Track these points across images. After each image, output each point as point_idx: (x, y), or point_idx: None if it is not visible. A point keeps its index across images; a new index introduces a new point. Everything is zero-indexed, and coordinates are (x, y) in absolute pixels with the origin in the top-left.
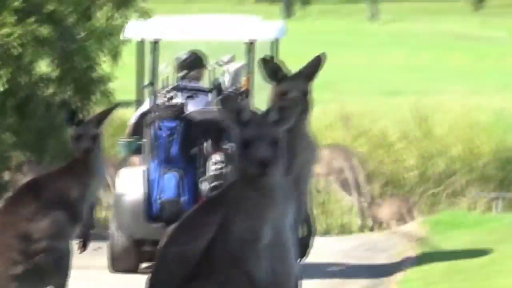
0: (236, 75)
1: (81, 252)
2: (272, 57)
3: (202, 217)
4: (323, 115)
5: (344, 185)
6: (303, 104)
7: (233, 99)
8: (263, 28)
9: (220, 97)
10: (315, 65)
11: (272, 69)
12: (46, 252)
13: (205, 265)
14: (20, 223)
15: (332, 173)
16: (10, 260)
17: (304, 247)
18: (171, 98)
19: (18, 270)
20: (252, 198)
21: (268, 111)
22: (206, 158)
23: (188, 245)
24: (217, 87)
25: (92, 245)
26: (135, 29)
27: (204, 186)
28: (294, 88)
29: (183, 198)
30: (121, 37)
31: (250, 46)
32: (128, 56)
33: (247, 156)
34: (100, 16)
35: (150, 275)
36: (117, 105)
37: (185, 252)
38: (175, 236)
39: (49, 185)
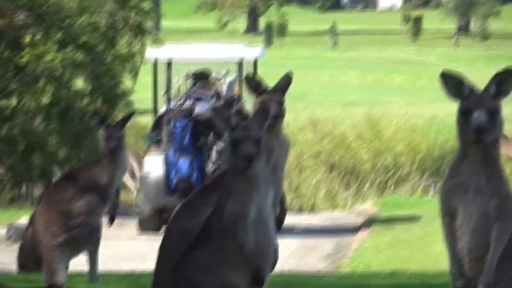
0: (230, 85)
1: (109, 226)
2: (253, 76)
3: (200, 199)
4: (296, 120)
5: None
6: (279, 112)
7: (223, 109)
8: (248, 51)
9: (213, 107)
10: (286, 81)
11: (254, 84)
12: (81, 226)
13: (203, 237)
14: (61, 203)
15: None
16: (54, 233)
17: (278, 222)
18: (183, 103)
19: (60, 240)
20: (240, 184)
21: (252, 117)
22: (210, 147)
23: (190, 221)
24: (217, 94)
25: (118, 220)
26: (153, 52)
27: (209, 168)
28: (271, 99)
29: (194, 177)
30: (143, 58)
31: (239, 64)
32: (143, 75)
33: (235, 153)
34: (122, 44)
35: (159, 245)
36: (133, 112)
37: (186, 227)
38: (179, 214)
39: (84, 174)
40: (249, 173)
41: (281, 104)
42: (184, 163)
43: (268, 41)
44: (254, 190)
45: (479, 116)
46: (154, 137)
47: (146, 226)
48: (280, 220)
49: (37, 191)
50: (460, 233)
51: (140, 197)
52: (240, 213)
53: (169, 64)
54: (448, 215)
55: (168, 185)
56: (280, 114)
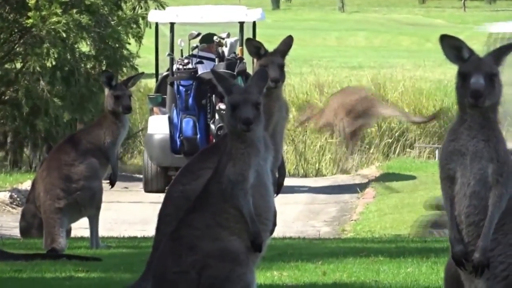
0: (232, 47)
1: (111, 189)
2: (254, 39)
3: (200, 163)
4: (303, 84)
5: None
6: (278, 75)
7: (223, 72)
8: (248, 13)
9: (213, 70)
10: (287, 44)
11: (254, 47)
12: (83, 190)
13: (202, 200)
14: (63, 167)
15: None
16: (56, 196)
17: (278, 186)
18: (186, 64)
19: (62, 203)
20: (239, 148)
21: (251, 81)
22: (213, 107)
23: (189, 185)
24: (219, 55)
25: (123, 184)
26: (155, 15)
27: (213, 127)
28: (271, 62)
29: (198, 136)
30: (148, 20)
31: (240, 26)
32: (148, 39)
33: (234, 116)
34: (127, 7)
35: (160, 208)
36: (142, 73)
37: (186, 190)
38: (179, 178)
39: (86, 137)
40: (248, 136)
41: (281, 67)
42: (188, 123)
43: (276, 4)
44: (253, 154)
45: (477, 79)
46: (158, 98)
47: (152, 186)
48: (279, 184)
49: (41, 154)
50: (459, 197)
51: (145, 158)
52: (239, 177)
53: (171, 27)
54: (447, 179)
55: (173, 144)
56: (279, 78)
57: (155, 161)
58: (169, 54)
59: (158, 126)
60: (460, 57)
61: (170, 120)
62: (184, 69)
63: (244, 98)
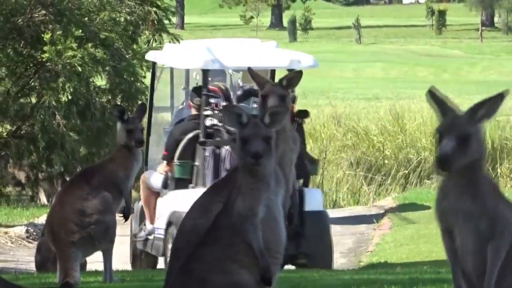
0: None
1: (124, 222)
2: (232, 104)
3: (210, 197)
4: (320, 115)
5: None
6: (281, 106)
7: (233, 106)
8: (299, 59)
9: (224, 105)
10: (294, 77)
11: (258, 76)
12: (96, 224)
13: (212, 234)
14: (76, 201)
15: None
16: (69, 230)
17: (290, 216)
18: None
19: (75, 237)
20: (250, 183)
21: (262, 115)
22: None
23: (199, 219)
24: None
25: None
26: (152, 56)
27: None
28: (272, 93)
29: None
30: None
31: (272, 74)
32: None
33: (244, 150)
34: (142, 40)
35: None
36: (144, 104)
37: (196, 224)
38: (190, 212)
39: (99, 171)
40: (259, 171)
41: (283, 98)
42: None
43: (293, 36)
44: (263, 189)
45: (445, 144)
46: (187, 167)
47: (140, 264)
48: (291, 214)
49: (58, 189)
50: (462, 253)
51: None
52: (249, 212)
53: (171, 72)
54: (446, 232)
55: None
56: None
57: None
58: (184, 88)
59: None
60: (442, 113)
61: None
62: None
63: (255, 132)
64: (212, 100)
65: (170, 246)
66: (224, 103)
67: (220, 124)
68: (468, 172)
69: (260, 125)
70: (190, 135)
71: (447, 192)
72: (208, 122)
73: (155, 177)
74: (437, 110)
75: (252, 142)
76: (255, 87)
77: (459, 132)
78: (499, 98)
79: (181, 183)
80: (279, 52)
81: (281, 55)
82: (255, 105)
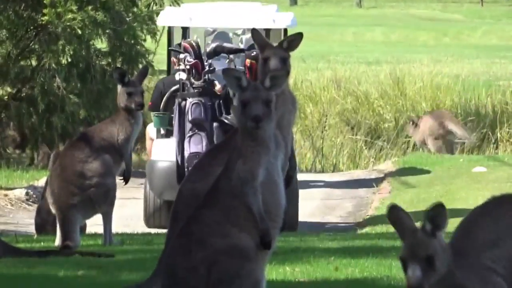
0: (248, 43)
1: (124, 185)
2: (234, 68)
3: (209, 160)
4: (320, 79)
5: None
6: (282, 68)
7: (233, 70)
8: (277, 18)
9: (223, 69)
10: (295, 39)
11: (260, 39)
12: (96, 187)
13: (212, 197)
14: (77, 164)
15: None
16: (69, 193)
17: (288, 178)
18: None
19: (75, 200)
20: (250, 146)
21: (262, 79)
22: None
23: (198, 182)
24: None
25: (138, 180)
26: (167, 18)
27: None
28: (274, 55)
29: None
30: (157, 23)
31: (267, 33)
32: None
33: (244, 114)
34: (141, 4)
35: (172, 206)
36: (147, 67)
37: (195, 188)
38: (189, 176)
39: (100, 133)
40: (259, 134)
41: (284, 60)
42: (195, 139)
43: (293, 0)
44: (263, 152)
45: (411, 274)
46: (165, 117)
47: (154, 222)
48: (289, 176)
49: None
50: None
51: (146, 189)
52: (249, 175)
53: (184, 32)
54: None
55: (180, 175)
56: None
57: (157, 194)
58: (170, 50)
59: (162, 151)
60: (403, 233)
61: (178, 144)
62: (194, 86)
63: (255, 95)
64: (181, 56)
65: (149, 194)
66: (191, 59)
67: (185, 78)
68: (440, 283)
69: (260, 88)
70: (172, 88)
71: None
72: (177, 76)
73: (151, 128)
74: (397, 230)
75: (253, 105)
76: (225, 44)
77: (421, 256)
78: (444, 211)
79: (170, 133)
80: (263, 12)
81: (260, 15)
82: (225, 62)
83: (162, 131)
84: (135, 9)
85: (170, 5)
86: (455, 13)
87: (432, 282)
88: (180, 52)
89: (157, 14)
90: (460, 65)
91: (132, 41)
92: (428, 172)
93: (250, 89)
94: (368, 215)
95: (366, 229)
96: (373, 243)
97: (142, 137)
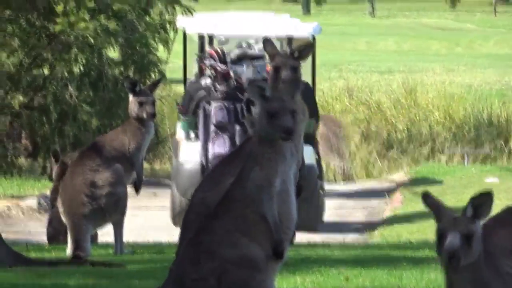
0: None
1: (137, 195)
2: (258, 79)
3: (221, 169)
4: (332, 88)
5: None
6: (293, 77)
7: (258, 81)
8: (300, 27)
9: (249, 80)
10: (305, 48)
11: (270, 48)
12: (107, 196)
13: (223, 206)
14: (87, 173)
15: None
16: (80, 202)
17: (298, 188)
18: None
19: (86, 209)
20: (268, 154)
21: (275, 87)
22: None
23: (209, 192)
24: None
25: (151, 190)
26: (190, 25)
27: None
28: (284, 64)
29: None
30: (174, 28)
31: (289, 41)
32: (178, 44)
33: (274, 124)
34: (154, 13)
35: (184, 215)
36: (161, 78)
37: (206, 197)
38: (201, 185)
39: (111, 142)
40: (278, 143)
41: (295, 69)
42: (220, 140)
43: (306, 8)
44: (280, 160)
45: (453, 240)
46: (192, 121)
47: (179, 221)
48: (299, 186)
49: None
50: None
51: (173, 188)
52: (266, 182)
53: (210, 39)
54: None
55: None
56: (295, 80)
57: (184, 194)
58: (198, 56)
59: (188, 153)
60: (439, 216)
61: (203, 146)
62: (218, 89)
63: (283, 106)
64: (207, 62)
65: (175, 192)
66: (223, 66)
67: (211, 83)
68: (469, 272)
69: (285, 99)
70: (201, 93)
71: None
72: (203, 81)
73: (179, 129)
74: (434, 213)
75: (283, 116)
76: (248, 51)
77: (463, 230)
78: (488, 201)
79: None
80: (282, 21)
81: (286, 24)
82: (247, 68)
83: (191, 134)
84: (147, 18)
85: (182, 14)
86: (467, 23)
87: (464, 261)
88: (207, 58)
89: (170, 23)
90: (472, 74)
91: (144, 50)
92: (440, 182)
93: (276, 100)
94: (379, 225)
95: (377, 239)
96: (383, 253)
97: (154, 146)
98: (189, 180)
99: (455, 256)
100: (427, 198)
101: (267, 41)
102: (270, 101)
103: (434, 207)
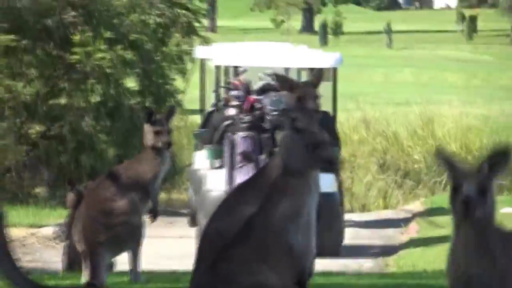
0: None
1: (152, 222)
2: (280, 74)
3: (236, 198)
4: (349, 119)
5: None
6: (317, 107)
7: (290, 111)
8: (323, 58)
9: (283, 108)
10: (319, 76)
11: (284, 80)
12: (123, 225)
13: (243, 234)
14: (103, 202)
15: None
16: (96, 231)
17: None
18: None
19: (102, 238)
20: (297, 185)
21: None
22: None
23: (223, 221)
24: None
25: (167, 219)
26: (215, 57)
27: None
28: (307, 94)
29: None
30: (191, 58)
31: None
32: (195, 74)
33: (315, 156)
34: (171, 42)
35: (198, 243)
36: (173, 106)
37: (220, 226)
38: (215, 214)
39: (127, 172)
40: (307, 175)
41: (316, 98)
42: (244, 170)
43: (324, 40)
44: (307, 192)
45: (468, 188)
46: (204, 133)
47: None
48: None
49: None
50: None
51: (200, 216)
52: (294, 213)
53: (235, 70)
54: None
55: None
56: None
57: None
58: (215, 91)
59: (214, 181)
60: (454, 171)
61: (228, 175)
62: (243, 120)
63: (323, 138)
64: (233, 93)
65: (201, 219)
66: (251, 97)
67: (236, 113)
68: (478, 230)
69: (320, 130)
70: (225, 123)
71: (458, 257)
72: (229, 112)
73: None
74: (447, 168)
75: (325, 148)
76: (272, 82)
77: (479, 183)
78: (506, 156)
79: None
80: (311, 52)
81: (309, 55)
82: (273, 98)
83: (216, 164)
84: (164, 48)
85: (200, 44)
86: (484, 54)
87: (478, 212)
88: (232, 90)
89: (186, 53)
90: (489, 106)
91: (161, 80)
92: None
93: (313, 132)
94: (396, 255)
95: (393, 268)
96: (399, 282)
97: (171, 176)
98: (214, 208)
99: (471, 203)
100: (440, 153)
101: (279, 75)
102: (307, 133)
103: (448, 162)
